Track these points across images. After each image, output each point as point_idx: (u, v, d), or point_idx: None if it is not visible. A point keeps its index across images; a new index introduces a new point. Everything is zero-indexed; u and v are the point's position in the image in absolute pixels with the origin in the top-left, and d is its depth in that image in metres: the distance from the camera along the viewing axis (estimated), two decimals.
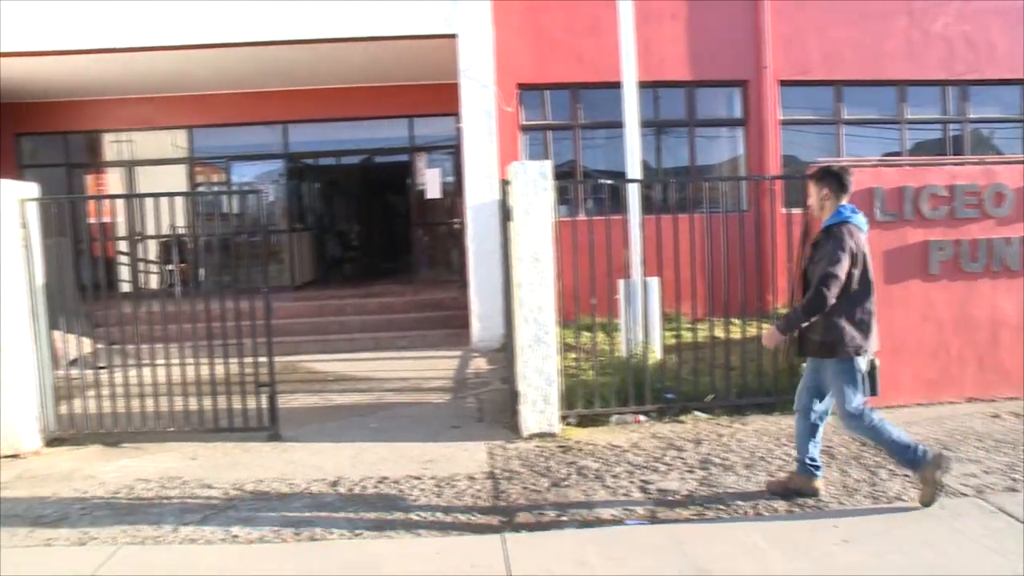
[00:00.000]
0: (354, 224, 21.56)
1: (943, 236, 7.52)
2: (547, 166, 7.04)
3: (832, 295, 4.98)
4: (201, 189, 15.03)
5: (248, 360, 7.22)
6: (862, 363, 5.10)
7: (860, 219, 5.20)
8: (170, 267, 13.01)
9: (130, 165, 15.05)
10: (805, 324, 5.08)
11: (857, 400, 5.11)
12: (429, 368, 10.14)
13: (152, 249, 13.83)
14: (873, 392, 5.24)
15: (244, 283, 7.55)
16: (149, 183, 14.74)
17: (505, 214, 7.40)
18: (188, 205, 8.40)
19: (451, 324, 12.29)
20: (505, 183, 7.39)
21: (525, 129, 12.54)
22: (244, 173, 15.47)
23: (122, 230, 13.95)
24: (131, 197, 8.11)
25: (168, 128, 14.86)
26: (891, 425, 5.17)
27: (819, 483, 5.38)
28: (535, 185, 6.94)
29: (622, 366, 7.73)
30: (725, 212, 7.60)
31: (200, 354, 7.29)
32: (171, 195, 7.23)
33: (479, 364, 10.38)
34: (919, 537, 4.67)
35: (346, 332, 12.33)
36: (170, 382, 7.36)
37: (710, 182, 10.34)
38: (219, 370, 7.31)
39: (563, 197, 11.68)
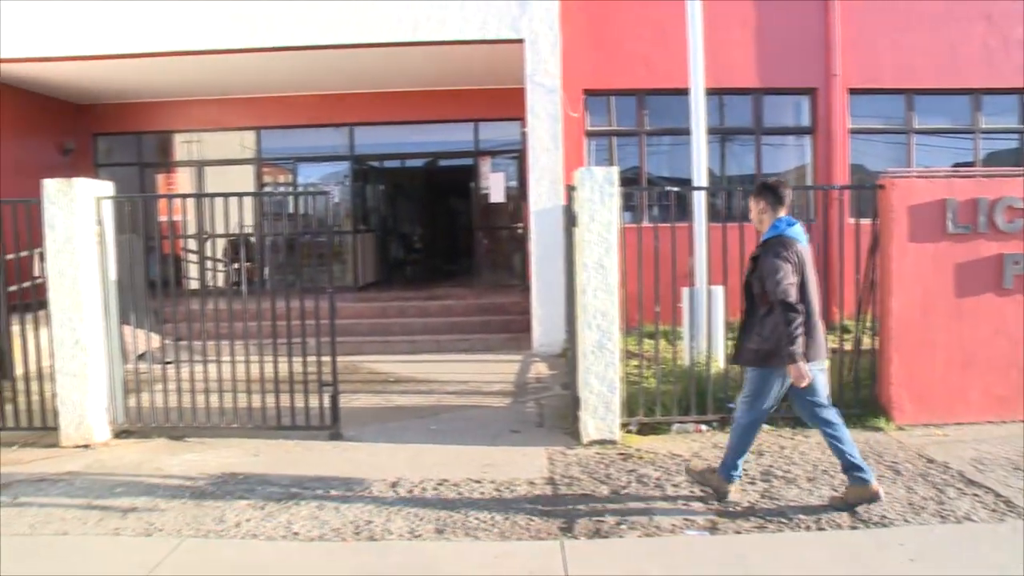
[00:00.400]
0: (417, 226, 21.76)
1: (1019, 249, 7.30)
2: (614, 172, 7.02)
3: (793, 296, 5.08)
4: (268, 189, 15.30)
5: (311, 359, 7.31)
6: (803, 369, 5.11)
7: (796, 230, 5.36)
8: (236, 266, 13.25)
9: (199, 165, 15.42)
10: (800, 330, 5.06)
11: (757, 407, 5.38)
12: (490, 372, 10.17)
13: (219, 247, 14.11)
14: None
15: (308, 283, 7.62)
16: (217, 182, 15.10)
17: (570, 220, 7.40)
18: (255, 205, 8.57)
19: (512, 328, 12.32)
20: (571, 189, 7.40)
21: (590, 135, 12.52)
22: (310, 174, 15.77)
23: (190, 228, 14.27)
24: (200, 196, 8.27)
25: (237, 129, 15.19)
26: (752, 437, 5.50)
27: (875, 486, 5.27)
28: (601, 191, 6.94)
29: (684, 375, 7.67)
30: None
31: (264, 352, 7.40)
32: (239, 195, 7.35)
33: (540, 369, 10.38)
34: (989, 558, 4.56)
35: (408, 334, 12.43)
36: (234, 379, 7.47)
37: None
38: (282, 368, 7.40)
39: (627, 203, 11.64)
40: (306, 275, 7.93)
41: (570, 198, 7.48)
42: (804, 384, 5.10)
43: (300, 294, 7.39)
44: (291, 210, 11.25)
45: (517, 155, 14.72)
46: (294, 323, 7.32)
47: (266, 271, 9.24)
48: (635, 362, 8.46)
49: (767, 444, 6.82)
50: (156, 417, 7.52)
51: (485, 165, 15.19)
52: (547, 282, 11.23)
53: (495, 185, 14.75)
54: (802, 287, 5.18)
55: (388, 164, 17.46)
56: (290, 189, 14.82)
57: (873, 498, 5.24)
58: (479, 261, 16.08)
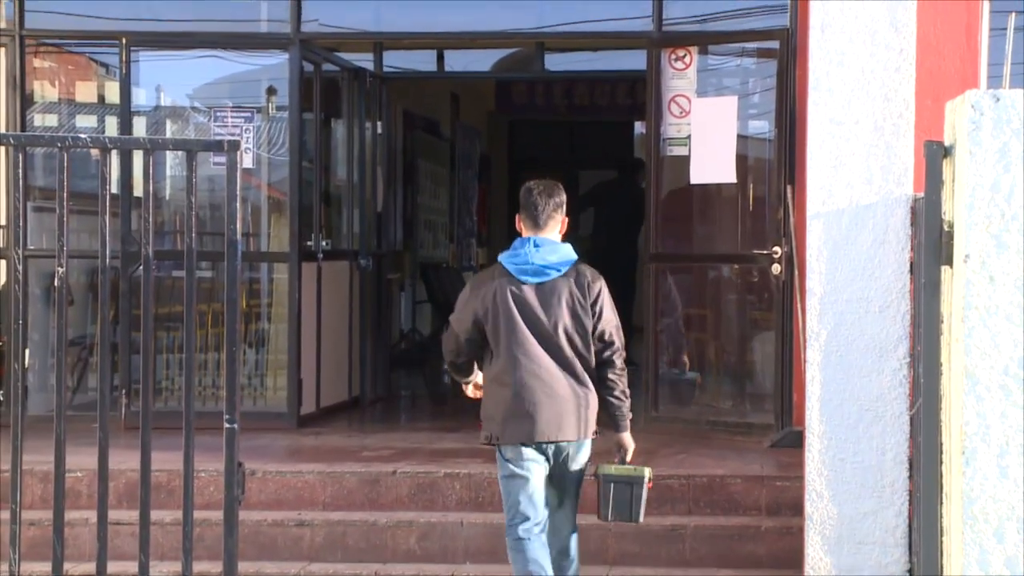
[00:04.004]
0: (471, 241, 16.61)
1: None
2: None
3: (449, 329, 5.35)
4: (45, 130, 10.35)
5: None
6: (507, 453, 5.05)
7: (520, 258, 5.15)
8: None
9: None
10: (449, 370, 5.68)
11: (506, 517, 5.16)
12: None
13: None
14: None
15: (159, 402, 6.99)
16: None
17: (935, 242, 4.57)
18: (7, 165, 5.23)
19: (749, 555, 6.74)
20: (937, 152, 4.49)
21: None
22: (171, 83, 9.98)
23: None
24: None
25: None
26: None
27: None
28: None
29: None
30: None
31: None
32: None
33: None
34: None
35: (442, 559, 7.33)
36: None
37: None
38: None
39: None
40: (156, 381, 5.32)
41: (932, 177, 4.64)
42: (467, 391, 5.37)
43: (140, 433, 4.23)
44: (111, 186, 6.73)
45: (773, 52, 8.14)
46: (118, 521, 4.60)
47: (27, 358, 5.80)
48: None
49: None
50: None
51: (680, 75, 8.44)
52: (849, 420, 5.79)
53: (709, 133, 7.89)
54: (496, 330, 5.01)
55: (396, 63, 10.93)
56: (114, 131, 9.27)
57: None
58: (648, 347, 9.67)
